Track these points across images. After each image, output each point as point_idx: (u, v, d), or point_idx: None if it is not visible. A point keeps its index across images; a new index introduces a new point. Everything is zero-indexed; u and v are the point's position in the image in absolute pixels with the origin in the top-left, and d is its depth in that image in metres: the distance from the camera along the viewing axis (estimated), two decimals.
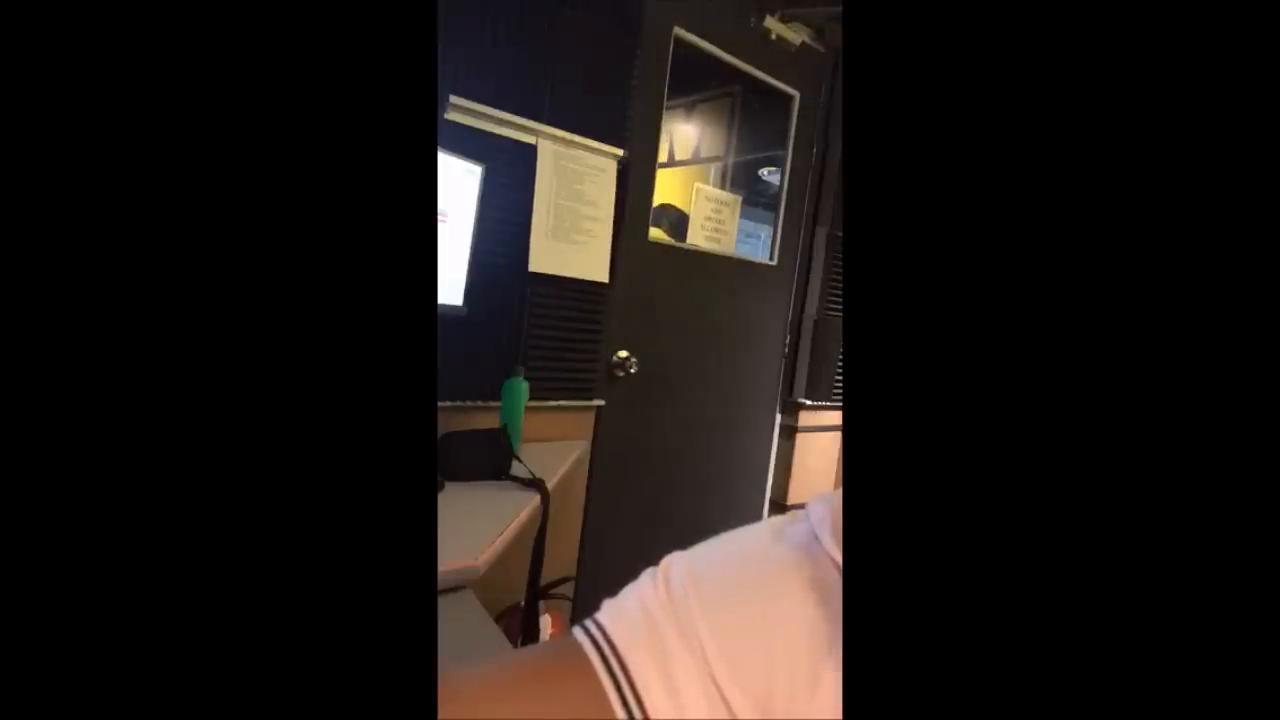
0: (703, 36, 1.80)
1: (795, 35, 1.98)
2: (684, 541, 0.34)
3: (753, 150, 2.42)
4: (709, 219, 1.99)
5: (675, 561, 0.33)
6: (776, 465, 2.26)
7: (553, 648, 0.32)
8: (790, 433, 2.23)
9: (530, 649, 0.38)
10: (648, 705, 0.28)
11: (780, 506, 2.25)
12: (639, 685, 0.28)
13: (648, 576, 0.32)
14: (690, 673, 0.28)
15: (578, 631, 0.31)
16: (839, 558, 0.30)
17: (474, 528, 0.94)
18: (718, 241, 2.01)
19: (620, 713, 0.28)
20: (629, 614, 0.31)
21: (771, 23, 1.92)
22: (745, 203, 2.15)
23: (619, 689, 0.28)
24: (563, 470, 1.37)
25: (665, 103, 1.76)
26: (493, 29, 1.36)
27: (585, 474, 1.73)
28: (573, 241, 1.56)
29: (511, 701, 0.29)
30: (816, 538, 0.33)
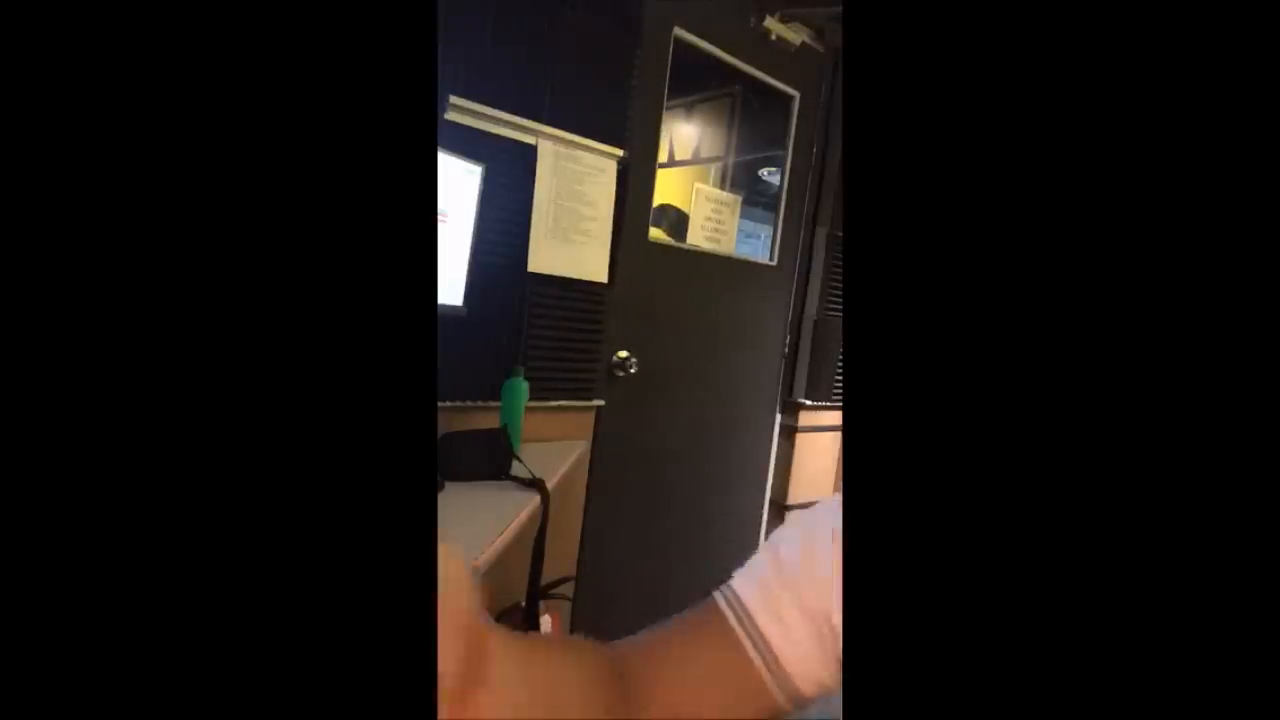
0: (703, 36, 1.80)
1: (795, 35, 1.98)
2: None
3: (753, 150, 2.42)
4: (709, 219, 1.99)
5: (784, 539, 0.43)
6: (776, 465, 2.26)
7: (699, 609, 0.42)
8: (790, 433, 2.23)
9: (681, 615, 0.45)
10: (774, 645, 0.38)
11: (780, 506, 2.25)
12: (766, 635, 0.39)
13: (762, 551, 0.43)
14: (799, 620, 0.38)
15: (717, 594, 0.42)
16: None
17: (474, 528, 0.94)
18: (718, 241, 2.01)
19: (754, 654, 0.38)
20: (752, 580, 0.41)
21: (771, 23, 1.91)
22: (745, 203, 2.15)
23: (750, 638, 0.39)
24: (563, 470, 1.37)
25: (665, 103, 1.76)
26: (493, 29, 1.36)
27: (585, 474, 1.73)
28: (572, 241, 1.56)
29: (676, 649, 0.40)
30: None
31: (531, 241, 1.48)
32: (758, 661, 0.38)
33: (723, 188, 2.29)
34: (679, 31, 1.74)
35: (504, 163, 1.40)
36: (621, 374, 1.77)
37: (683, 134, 2.55)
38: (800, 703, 0.39)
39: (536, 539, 1.16)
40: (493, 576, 0.90)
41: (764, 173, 2.41)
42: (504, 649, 0.26)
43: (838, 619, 0.37)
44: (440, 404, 1.37)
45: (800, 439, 2.23)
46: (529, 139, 1.46)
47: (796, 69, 2.04)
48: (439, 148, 1.12)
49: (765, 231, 2.23)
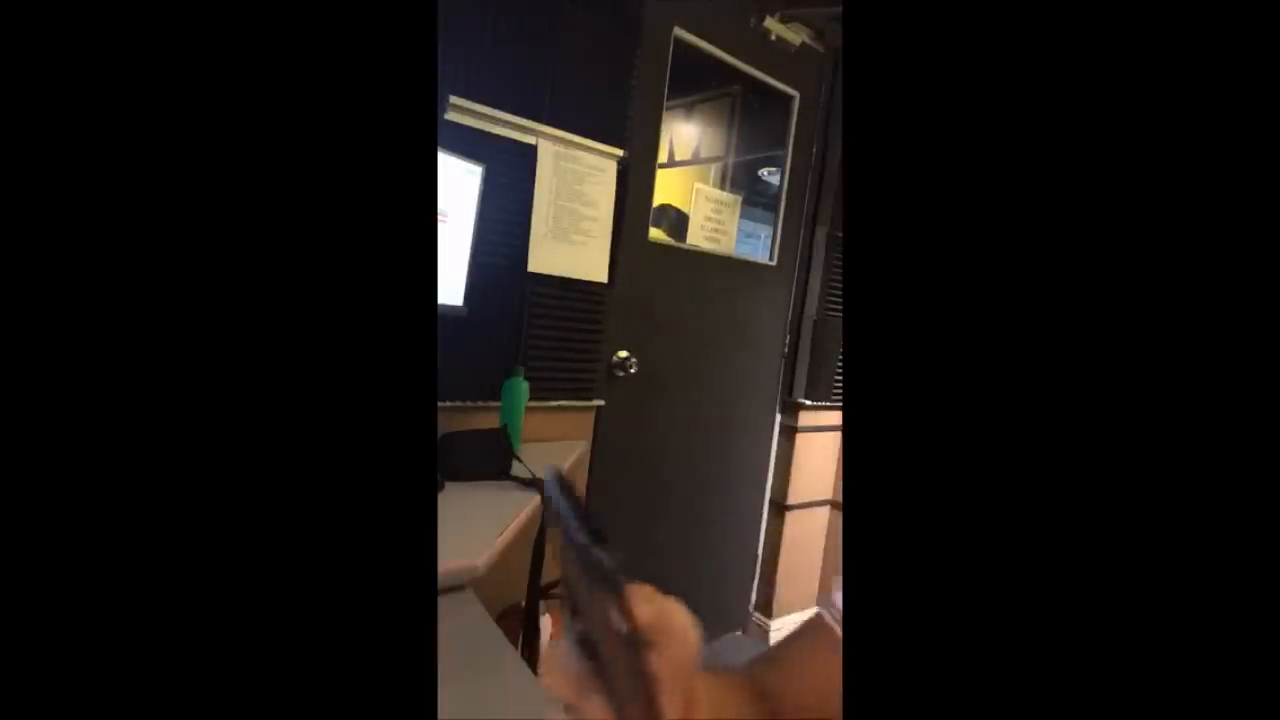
0: (703, 36, 1.80)
1: (795, 35, 1.98)
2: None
3: (753, 150, 2.42)
4: (709, 219, 1.99)
5: None
6: (776, 465, 2.26)
7: (809, 624, 0.49)
8: (790, 433, 2.23)
9: (794, 632, 0.52)
10: None
11: (780, 506, 2.25)
12: None
13: None
14: None
15: (820, 610, 0.47)
16: None
17: (474, 528, 0.94)
18: (718, 241, 2.01)
19: None
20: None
21: (771, 23, 1.92)
22: (745, 203, 2.15)
23: None
24: (563, 470, 1.37)
25: (665, 103, 1.76)
26: (493, 29, 1.36)
27: (585, 474, 1.73)
28: (573, 242, 1.56)
29: (795, 659, 0.47)
30: None
31: (531, 241, 1.48)
32: None
33: (723, 188, 2.29)
34: (679, 31, 1.74)
35: (504, 163, 1.40)
36: (621, 374, 1.77)
37: (683, 134, 2.55)
38: None
39: (536, 539, 1.16)
40: (493, 576, 0.90)
41: (764, 173, 2.41)
42: (704, 685, 0.31)
43: None
44: (440, 404, 1.37)
45: (800, 439, 2.23)
46: (529, 139, 1.46)
47: (796, 69, 2.04)
48: (439, 148, 1.12)
49: (765, 231, 2.23)
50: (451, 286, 1.23)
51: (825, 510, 2.37)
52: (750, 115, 2.30)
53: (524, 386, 1.34)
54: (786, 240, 2.15)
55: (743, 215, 2.11)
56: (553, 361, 1.58)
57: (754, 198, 2.33)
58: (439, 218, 1.16)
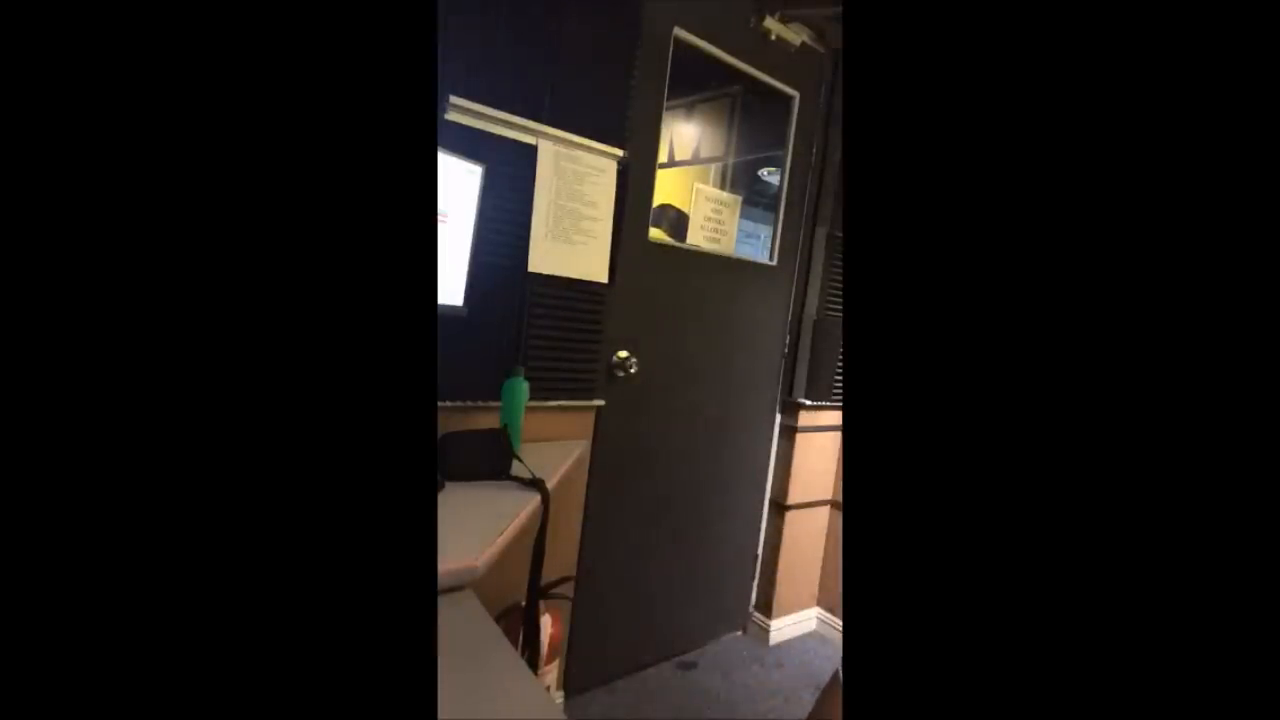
0: (703, 36, 1.80)
1: (795, 35, 1.98)
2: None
3: (753, 150, 2.42)
4: (709, 219, 1.99)
5: None
6: (776, 465, 2.26)
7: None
8: (790, 433, 2.23)
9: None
10: None
11: (780, 506, 2.25)
12: None
13: None
14: None
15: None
16: None
17: (474, 528, 0.94)
18: (718, 241, 2.01)
19: None
20: None
21: (771, 23, 1.92)
22: (745, 203, 2.15)
23: None
24: (563, 470, 1.37)
25: (665, 103, 1.76)
26: (493, 29, 1.36)
27: (585, 474, 1.73)
28: (573, 242, 1.56)
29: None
30: None
31: (531, 241, 1.49)
32: None
33: (723, 188, 2.29)
34: (679, 31, 1.74)
35: (504, 163, 1.40)
36: (621, 374, 1.77)
37: (683, 134, 2.55)
38: None
39: (536, 539, 1.16)
40: (493, 576, 0.90)
41: (764, 173, 2.41)
42: None
43: None
44: (440, 404, 1.37)
45: (800, 439, 2.23)
46: (529, 139, 1.46)
47: (796, 69, 2.04)
48: (439, 148, 1.12)
49: (765, 231, 2.23)
50: (451, 286, 1.23)
51: (825, 510, 2.37)
52: (750, 115, 2.31)
53: (524, 386, 1.35)
54: (786, 240, 2.15)
55: (743, 215, 2.11)
56: (553, 361, 1.58)
57: (754, 198, 2.33)
58: (439, 218, 1.16)
